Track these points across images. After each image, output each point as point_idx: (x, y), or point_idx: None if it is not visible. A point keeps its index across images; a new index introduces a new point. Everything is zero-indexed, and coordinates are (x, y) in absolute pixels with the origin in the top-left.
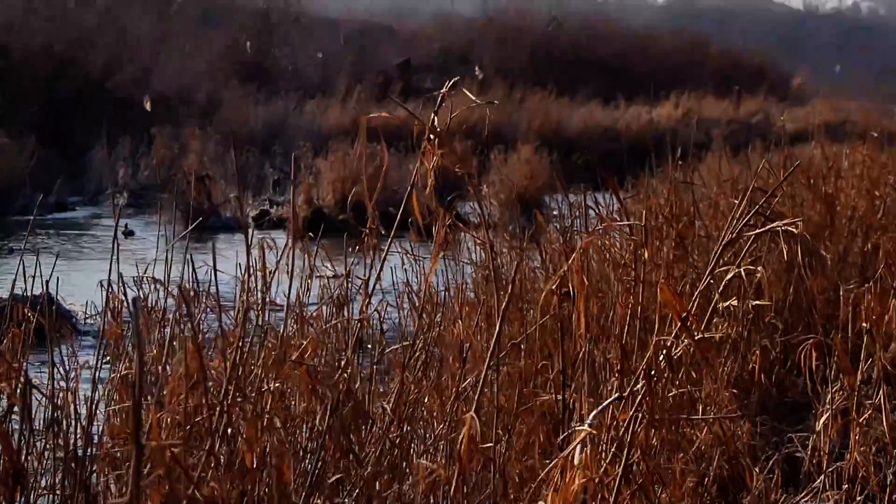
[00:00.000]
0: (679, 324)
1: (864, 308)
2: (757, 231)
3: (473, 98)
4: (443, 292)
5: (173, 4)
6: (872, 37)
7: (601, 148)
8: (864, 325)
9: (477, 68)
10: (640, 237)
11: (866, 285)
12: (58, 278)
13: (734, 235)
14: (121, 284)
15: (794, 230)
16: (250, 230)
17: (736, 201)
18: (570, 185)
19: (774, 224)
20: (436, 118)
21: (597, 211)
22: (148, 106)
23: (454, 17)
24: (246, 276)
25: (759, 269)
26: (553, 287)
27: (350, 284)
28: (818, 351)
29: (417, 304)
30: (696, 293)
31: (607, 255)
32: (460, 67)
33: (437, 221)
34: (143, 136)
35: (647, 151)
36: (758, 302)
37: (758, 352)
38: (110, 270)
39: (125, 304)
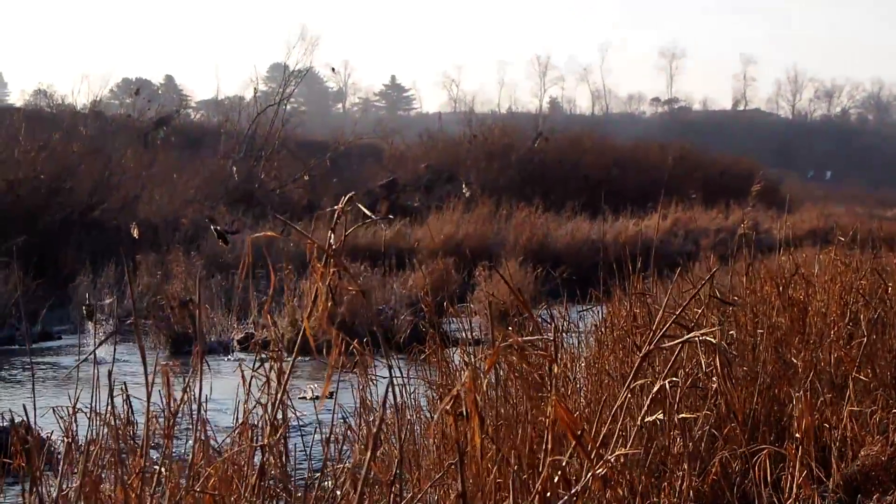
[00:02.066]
0: (574, 442)
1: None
2: (674, 343)
3: (369, 213)
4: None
5: (159, 132)
6: (862, 144)
7: (588, 261)
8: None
9: (464, 186)
10: (550, 351)
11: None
12: (34, 406)
13: (651, 347)
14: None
15: (711, 339)
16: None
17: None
18: (554, 298)
19: (691, 335)
20: (332, 235)
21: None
22: (135, 233)
23: (440, 136)
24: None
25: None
26: (447, 407)
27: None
28: (774, 462)
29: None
30: (615, 405)
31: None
32: (447, 185)
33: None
34: (128, 262)
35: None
36: (685, 415)
37: (717, 464)
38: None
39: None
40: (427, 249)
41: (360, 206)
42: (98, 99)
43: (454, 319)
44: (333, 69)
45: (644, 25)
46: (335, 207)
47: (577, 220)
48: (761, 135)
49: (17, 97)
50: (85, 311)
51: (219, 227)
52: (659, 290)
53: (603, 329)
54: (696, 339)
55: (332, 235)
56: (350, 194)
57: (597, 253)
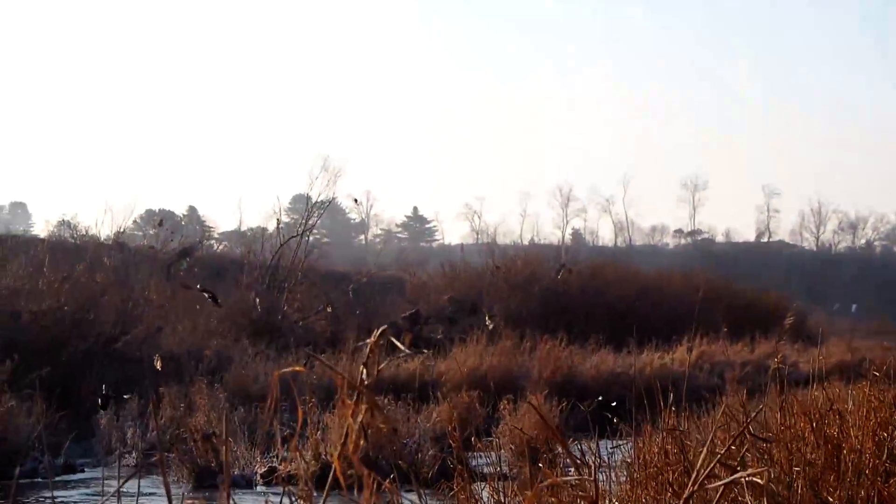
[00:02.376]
0: None
1: None
2: (719, 483)
3: (402, 347)
4: None
5: (182, 263)
6: (888, 276)
7: (613, 394)
8: None
9: (487, 317)
10: (591, 491)
11: None
12: None
13: (695, 488)
14: None
15: (758, 480)
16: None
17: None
18: (580, 432)
19: (737, 475)
20: (364, 369)
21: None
22: (158, 365)
23: (462, 268)
24: None
25: None
26: None
27: None
28: None
29: None
30: None
31: None
32: (470, 317)
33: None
34: (151, 395)
35: (658, 397)
36: None
37: None
38: None
39: None
40: (451, 382)
41: (393, 340)
42: (121, 230)
43: (480, 453)
44: (356, 200)
45: (666, 157)
46: (367, 341)
47: (602, 353)
48: (786, 267)
49: (41, 228)
50: (100, 402)
51: (208, 290)
52: (690, 425)
53: (636, 466)
54: (743, 479)
55: (365, 370)
56: (382, 328)
57: (622, 386)
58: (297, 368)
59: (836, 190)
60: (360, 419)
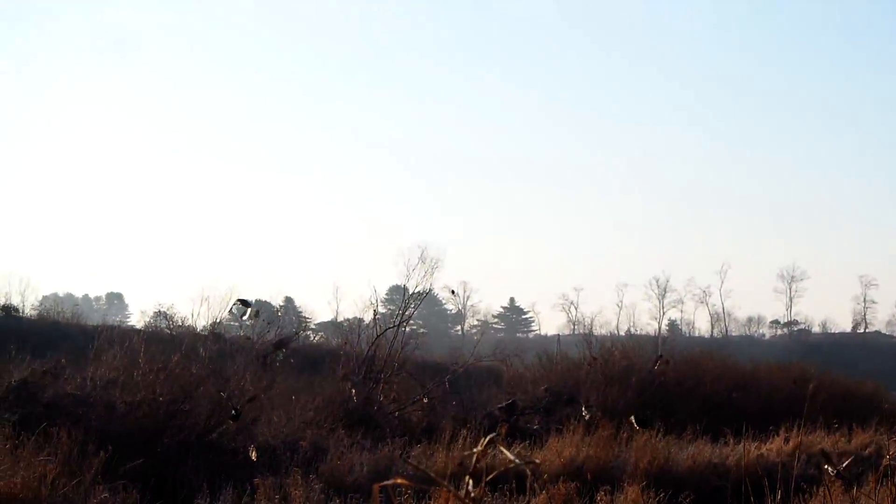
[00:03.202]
0: None
1: None
2: None
3: (512, 457)
4: None
5: (278, 354)
6: None
7: (710, 485)
8: None
9: (583, 408)
10: None
11: None
12: None
13: None
14: None
15: None
16: None
17: None
18: None
19: None
20: (471, 482)
21: None
22: (254, 456)
23: (559, 358)
24: None
25: None
26: None
27: None
28: None
29: None
30: None
31: None
32: (567, 407)
33: None
34: (246, 486)
35: (756, 488)
36: None
37: None
38: None
39: None
40: (548, 473)
41: (504, 450)
42: (218, 321)
43: None
44: (453, 291)
45: (763, 247)
46: (473, 451)
47: (699, 443)
48: (882, 357)
49: (137, 318)
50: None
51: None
52: None
53: None
54: None
55: (471, 483)
56: (489, 437)
57: (719, 477)
58: (399, 481)
59: None
60: None
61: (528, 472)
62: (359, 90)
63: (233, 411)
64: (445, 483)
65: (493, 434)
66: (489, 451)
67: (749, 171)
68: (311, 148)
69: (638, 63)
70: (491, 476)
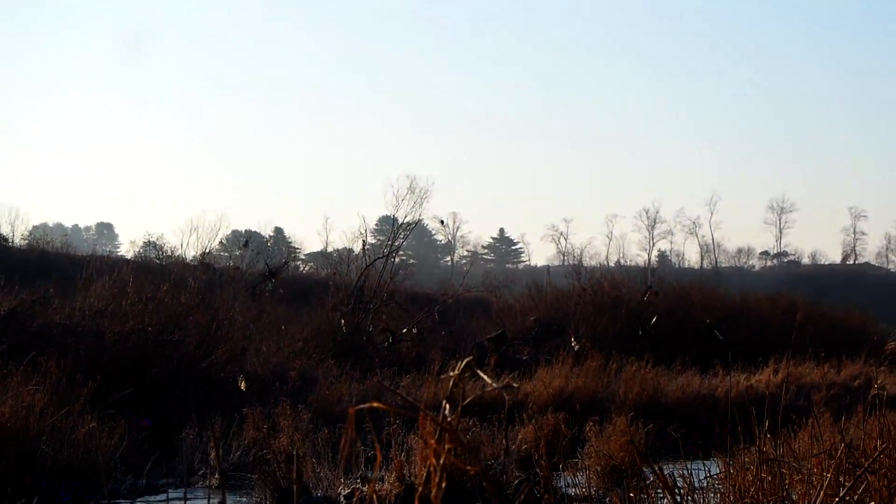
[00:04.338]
0: None
1: None
2: None
3: (488, 380)
4: None
5: (267, 284)
6: None
7: (700, 416)
8: None
9: (573, 339)
10: None
11: None
12: None
13: None
14: None
15: None
16: None
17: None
18: (667, 455)
19: None
20: (447, 406)
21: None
22: (243, 386)
23: (549, 289)
24: None
25: None
26: None
27: None
28: None
29: None
30: None
31: None
32: (556, 338)
33: None
34: (234, 416)
35: (745, 419)
36: None
37: None
38: None
39: None
40: (537, 404)
41: (479, 373)
42: (207, 251)
43: (566, 476)
44: (442, 222)
45: (753, 179)
46: (450, 374)
47: (688, 374)
48: (871, 289)
49: (127, 248)
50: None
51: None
52: (782, 450)
53: (731, 497)
54: None
55: (448, 406)
56: (466, 359)
57: (709, 407)
58: (375, 404)
59: None
60: (442, 460)
61: (507, 398)
62: (346, 22)
63: None
64: (422, 407)
65: (469, 357)
66: (466, 375)
67: (738, 103)
68: (299, 79)
69: None
70: (468, 400)
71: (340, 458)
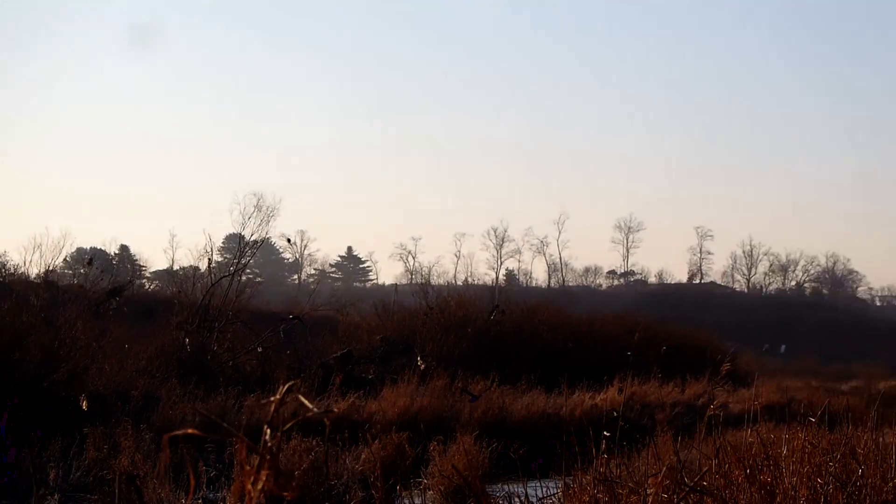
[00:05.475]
0: None
1: None
2: None
3: (309, 405)
4: None
5: (112, 302)
6: (817, 317)
7: (545, 435)
8: None
9: (419, 358)
10: None
11: None
12: None
13: None
14: None
15: None
16: None
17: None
18: (511, 474)
19: None
20: (268, 431)
21: None
22: (84, 405)
23: (396, 308)
24: None
25: None
26: None
27: None
28: None
29: None
30: None
31: None
32: (403, 357)
33: None
34: (75, 435)
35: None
36: None
37: None
38: None
39: None
40: (381, 423)
41: (301, 399)
42: (51, 269)
43: (408, 498)
44: (289, 240)
45: (601, 199)
46: (271, 399)
47: (534, 393)
48: (716, 308)
49: None
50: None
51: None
52: (621, 470)
53: None
54: None
55: (269, 432)
56: (289, 384)
57: (553, 426)
58: (190, 431)
59: (769, 233)
60: (260, 486)
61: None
62: (189, 30)
63: None
64: (239, 433)
65: (292, 383)
66: (287, 399)
67: (585, 120)
68: (145, 91)
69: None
70: (288, 426)
71: (152, 487)
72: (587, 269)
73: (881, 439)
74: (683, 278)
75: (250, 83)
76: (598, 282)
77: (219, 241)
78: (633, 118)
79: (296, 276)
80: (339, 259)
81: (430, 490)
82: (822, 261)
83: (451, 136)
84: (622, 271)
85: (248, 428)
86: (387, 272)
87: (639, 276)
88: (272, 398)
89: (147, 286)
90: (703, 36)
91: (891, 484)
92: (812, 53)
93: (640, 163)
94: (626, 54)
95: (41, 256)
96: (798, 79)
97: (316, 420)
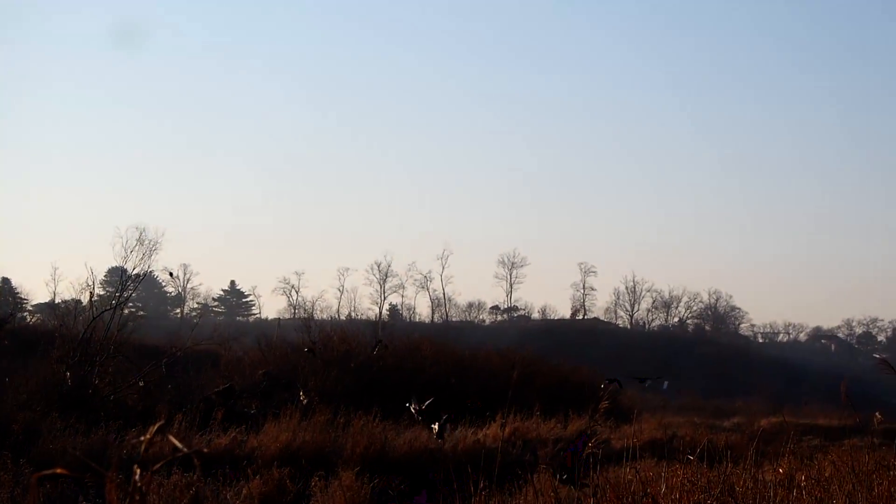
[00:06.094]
0: None
1: None
2: None
3: (179, 445)
4: None
5: None
6: (699, 353)
7: (427, 470)
8: None
9: (301, 393)
10: None
11: None
12: None
13: None
14: None
15: None
16: None
17: None
18: None
19: None
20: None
21: None
22: None
23: (278, 343)
24: None
25: None
26: None
27: None
28: None
29: None
30: None
31: None
32: (285, 392)
33: None
34: None
35: (471, 474)
36: None
37: None
38: None
39: None
40: (263, 458)
41: (173, 440)
42: None
43: None
44: (171, 274)
45: (485, 234)
46: (141, 438)
47: (416, 429)
48: (601, 344)
49: None
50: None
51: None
52: None
53: None
54: None
55: (139, 472)
56: (157, 424)
57: (436, 461)
58: (60, 471)
59: (651, 269)
60: None
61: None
62: (88, 66)
63: None
64: (109, 473)
65: (160, 423)
66: (156, 440)
67: (468, 156)
68: (29, 122)
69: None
70: (158, 465)
71: None
72: (471, 305)
73: (760, 476)
74: (567, 314)
75: (130, 113)
76: (481, 317)
77: (101, 275)
78: (515, 153)
79: (178, 310)
80: (221, 293)
81: None
82: (705, 297)
83: (333, 170)
84: (506, 307)
85: (128, 463)
86: (270, 306)
87: (522, 312)
88: (142, 437)
89: (29, 319)
90: (573, 68)
91: None
92: (686, 89)
93: (523, 197)
94: (506, 87)
95: None
96: (677, 111)
97: (215, 452)
